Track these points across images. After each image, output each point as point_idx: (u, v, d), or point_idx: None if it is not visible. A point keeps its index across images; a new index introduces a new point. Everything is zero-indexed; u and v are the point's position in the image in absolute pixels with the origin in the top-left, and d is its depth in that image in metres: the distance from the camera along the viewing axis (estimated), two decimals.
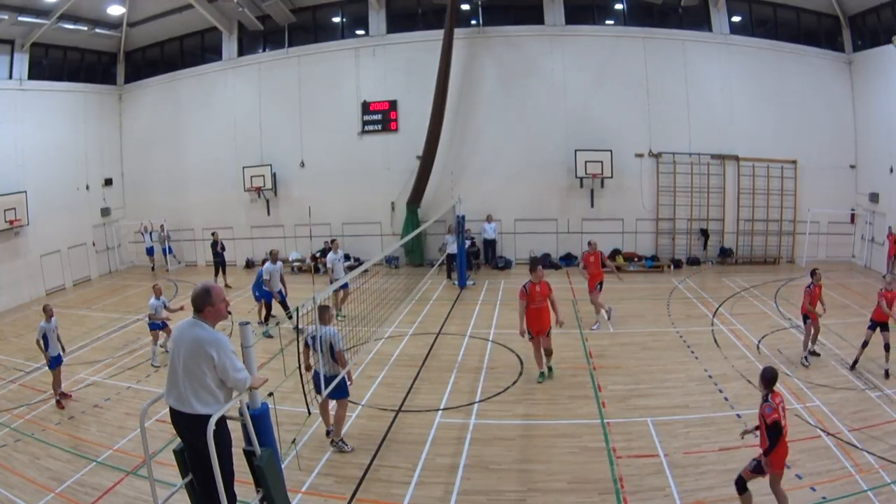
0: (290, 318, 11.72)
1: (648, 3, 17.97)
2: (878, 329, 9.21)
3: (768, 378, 5.58)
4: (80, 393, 9.79)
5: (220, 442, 3.97)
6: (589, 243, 12.50)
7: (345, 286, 12.18)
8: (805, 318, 9.84)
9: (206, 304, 4.09)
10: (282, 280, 12.33)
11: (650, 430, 7.65)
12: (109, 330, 13.51)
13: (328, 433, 7.74)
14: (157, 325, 10.98)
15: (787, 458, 5.68)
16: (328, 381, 7.00)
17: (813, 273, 9.82)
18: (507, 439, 7.62)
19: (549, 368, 9.60)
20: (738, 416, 7.97)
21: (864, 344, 9.27)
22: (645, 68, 17.88)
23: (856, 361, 9.33)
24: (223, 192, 20.14)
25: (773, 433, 5.39)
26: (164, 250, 20.28)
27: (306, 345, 7.39)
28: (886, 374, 8.98)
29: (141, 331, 13.08)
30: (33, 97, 17.68)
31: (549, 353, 9.47)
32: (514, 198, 18.53)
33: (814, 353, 9.89)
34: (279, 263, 12.20)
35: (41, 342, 9.15)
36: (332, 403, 7.64)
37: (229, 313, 4.39)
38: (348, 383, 7.50)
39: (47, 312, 9.34)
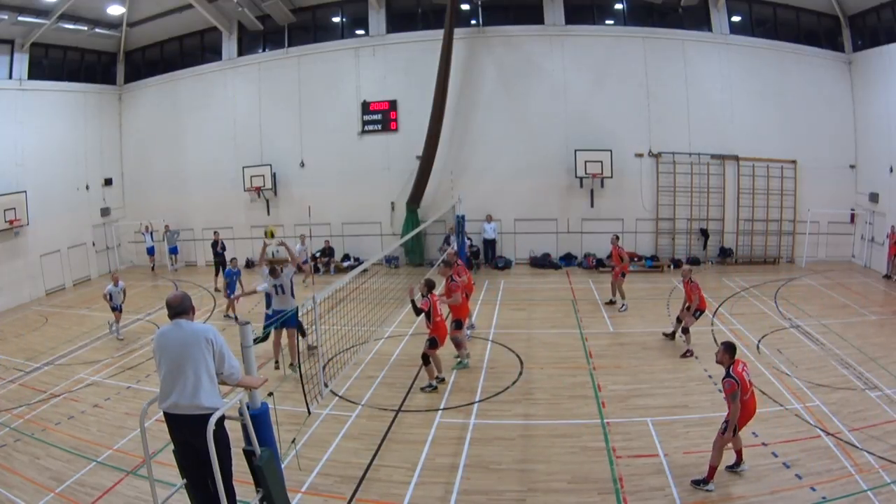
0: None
1: (648, 2, 17.96)
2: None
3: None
4: (81, 393, 9.78)
5: (220, 442, 4.01)
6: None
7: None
8: None
9: (191, 307, 4.38)
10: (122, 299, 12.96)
11: (650, 430, 7.64)
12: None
13: (277, 365, 9.48)
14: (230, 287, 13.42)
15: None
16: (292, 315, 8.80)
17: None
18: (507, 439, 7.62)
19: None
20: None
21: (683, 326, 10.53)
22: (645, 68, 17.88)
23: (673, 334, 10.99)
24: (223, 192, 20.11)
25: None
26: (171, 250, 20.27)
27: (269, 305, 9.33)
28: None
29: (141, 331, 13.10)
30: (33, 97, 17.64)
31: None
32: (513, 198, 18.51)
33: None
34: (121, 284, 12.82)
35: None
36: (283, 333, 9.57)
37: None
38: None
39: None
